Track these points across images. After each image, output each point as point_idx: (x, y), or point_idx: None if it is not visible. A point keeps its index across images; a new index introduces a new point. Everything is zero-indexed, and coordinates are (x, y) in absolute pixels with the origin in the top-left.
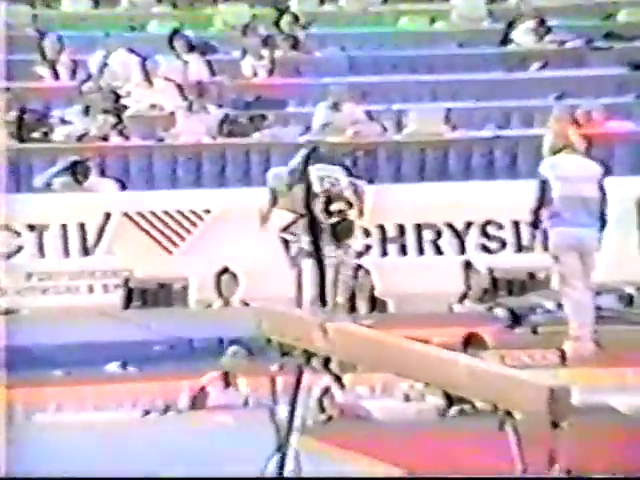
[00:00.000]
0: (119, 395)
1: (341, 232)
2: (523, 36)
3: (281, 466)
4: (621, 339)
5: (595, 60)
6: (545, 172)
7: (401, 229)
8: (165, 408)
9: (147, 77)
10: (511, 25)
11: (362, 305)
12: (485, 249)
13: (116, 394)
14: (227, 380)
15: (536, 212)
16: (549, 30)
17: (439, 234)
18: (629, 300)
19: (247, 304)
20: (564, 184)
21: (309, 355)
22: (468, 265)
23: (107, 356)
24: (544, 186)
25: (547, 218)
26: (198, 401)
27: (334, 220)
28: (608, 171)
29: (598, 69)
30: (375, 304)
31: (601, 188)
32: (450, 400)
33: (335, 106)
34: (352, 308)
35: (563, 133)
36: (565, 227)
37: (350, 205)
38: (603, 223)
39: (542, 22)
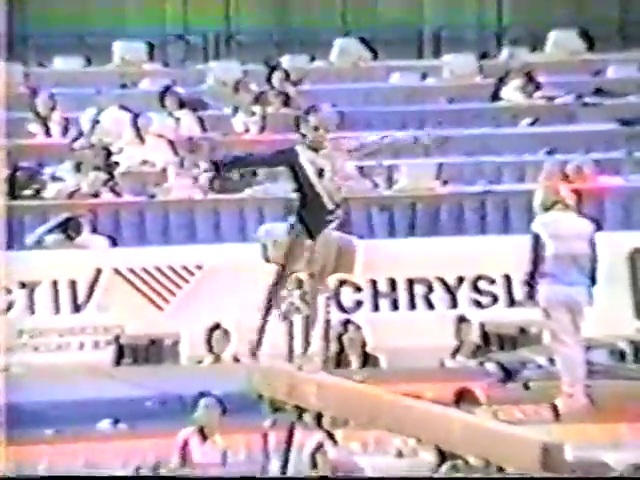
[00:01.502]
0: (110, 453)
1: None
2: (513, 93)
3: None
4: (614, 394)
5: (585, 116)
6: (538, 230)
7: (392, 284)
8: (156, 465)
9: (139, 134)
10: (501, 81)
11: (354, 360)
12: (477, 304)
13: (107, 452)
14: (204, 434)
15: (532, 273)
16: (538, 87)
17: (431, 289)
18: (621, 355)
19: (238, 360)
20: (556, 242)
21: (301, 411)
22: (460, 320)
23: (98, 413)
24: (538, 245)
25: (539, 275)
26: (185, 458)
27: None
28: (599, 226)
29: (588, 125)
30: (367, 359)
31: (592, 245)
32: (443, 456)
33: None
34: (344, 363)
35: (554, 189)
36: (557, 285)
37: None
38: (593, 280)
39: (530, 79)
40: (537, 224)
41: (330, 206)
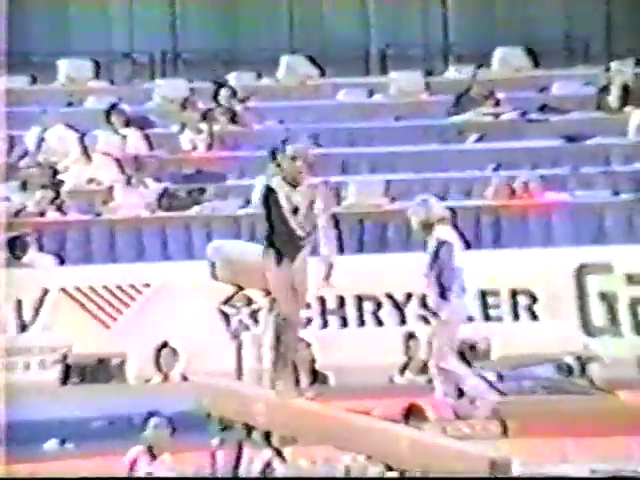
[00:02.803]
0: (58, 473)
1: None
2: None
3: None
4: (561, 409)
5: (531, 132)
6: (454, 243)
7: (341, 301)
8: None
9: (85, 152)
10: (460, 98)
11: (303, 378)
12: (425, 320)
13: (55, 472)
14: (152, 453)
15: (441, 287)
16: (498, 102)
17: (379, 305)
18: (568, 370)
19: (187, 379)
20: (458, 255)
21: (249, 429)
22: (408, 336)
23: (45, 434)
24: (442, 259)
25: (452, 290)
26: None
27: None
28: (546, 241)
29: (534, 141)
30: (316, 376)
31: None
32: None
33: None
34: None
35: (437, 206)
36: (458, 298)
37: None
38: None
39: (492, 94)
40: (449, 237)
41: (301, 234)
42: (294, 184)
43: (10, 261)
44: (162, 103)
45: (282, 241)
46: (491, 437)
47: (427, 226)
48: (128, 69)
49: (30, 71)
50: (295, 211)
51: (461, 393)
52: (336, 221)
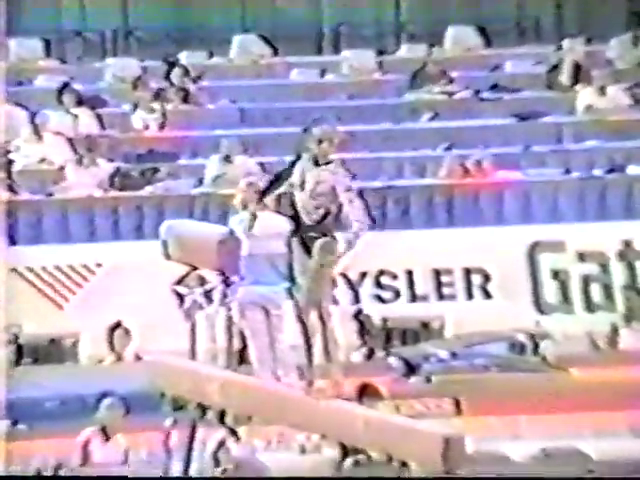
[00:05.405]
0: (10, 454)
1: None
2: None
3: None
4: (513, 387)
5: (483, 111)
6: (234, 228)
7: None
8: (57, 466)
9: (36, 131)
10: (416, 74)
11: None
12: (379, 299)
13: (7, 453)
14: (106, 434)
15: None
16: (451, 81)
17: (334, 284)
18: (521, 348)
19: (140, 358)
20: (251, 241)
21: (204, 409)
22: (363, 315)
23: None
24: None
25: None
26: (85, 458)
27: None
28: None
29: (486, 120)
30: None
31: (288, 245)
32: (345, 451)
33: (227, 158)
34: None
35: (256, 187)
36: (250, 285)
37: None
38: (292, 280)
39: (445, 73)
40: (234, 222)
41: (307, 222)
42: (320, 164)
43: None
44: (114, 82)
45: (297, 225)
46: (445, 415)
47: (244, 206)
48: (79, 48)
49: None
50: (302, 185)
51: (411, 370)
52: (361, 195)
